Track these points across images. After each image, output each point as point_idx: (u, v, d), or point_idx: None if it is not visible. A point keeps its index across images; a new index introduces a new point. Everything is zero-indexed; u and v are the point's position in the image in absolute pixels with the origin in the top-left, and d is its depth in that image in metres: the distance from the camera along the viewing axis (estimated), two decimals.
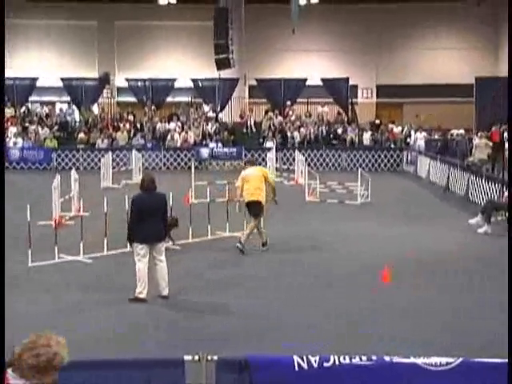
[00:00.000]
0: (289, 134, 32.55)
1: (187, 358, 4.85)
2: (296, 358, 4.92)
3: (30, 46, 37.51)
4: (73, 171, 18.71)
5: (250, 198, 13.54)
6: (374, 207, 19.52)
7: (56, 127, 33.33)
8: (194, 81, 35.26)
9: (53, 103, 37.22)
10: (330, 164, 31.03)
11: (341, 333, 8.75)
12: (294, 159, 28.33)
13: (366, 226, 16.41)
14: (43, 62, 37.50)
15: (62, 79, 35.10)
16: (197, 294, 10.53)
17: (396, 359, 4.98)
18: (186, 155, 31.18)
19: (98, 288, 10.80)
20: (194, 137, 32.37)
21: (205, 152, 31.53)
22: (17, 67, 33.44)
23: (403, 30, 38.42)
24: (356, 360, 4.93)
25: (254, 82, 36.05)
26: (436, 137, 30.80)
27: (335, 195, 21.14)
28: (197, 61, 37.68)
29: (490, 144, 22.70)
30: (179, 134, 32.43)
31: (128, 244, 10.88)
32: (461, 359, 4.95)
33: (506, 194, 16.29)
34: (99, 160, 27.14)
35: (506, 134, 23.45)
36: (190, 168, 22.97)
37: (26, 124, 33.18)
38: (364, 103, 38.27)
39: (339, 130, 33.09)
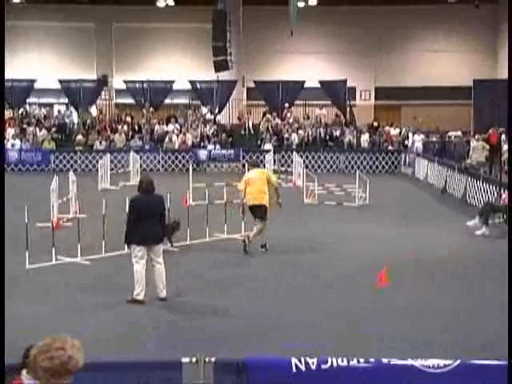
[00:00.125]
0: (286, 136, 32.54)
1: (185, 359, 4.84)
2: (294, 360, 4.92)
3: (29, 47, 37.45)
4: (71, 173, 18.70)
5: (253, 201, 13.53)
6: (372, 209, 19.52)
7: (54, 129, 33.24)
8: (192, 83, 35.20)
9: (51, 105, 37.15)
10: (328, 166, 30.99)
11: (341, 333, 8.76)
12: (291, 161, 28.33)
13: (365, 227, 16.41)
14: (42, 63, 37.44)
15: (60, 81, 35.06)
16: (197, 295, 10.54)
17: (394, 361, 4.98)
18: (184, 157, 31.14)
19: (97, 289, 10.79)
20: (192, 139, 32.35)
21: (203, 154, 31.48)
22: (16, 69, 33.36)
23: (402, 32, 38.34)
24: (354, 362, 4.93)
25: (252, 84, 36.04)
26: (434, 139, 30.78)
27: (333, 197, 21.18)
28: (195, 63, 37.62)
29: (487, 146, 22.69)
30: (177, 135, 32.39)
31: (126, 246, 10.88)
32: (459, 361, 4.95)
33: (504, 196, 16.29)
34: (97, 162, 27.10)
35: (503, 137, 23.48)
36: (188, 170, 22.93)
37: (24, 126, 33.12)
38: (362, 105, 38.20)
39: (337, 132, 33.08)
